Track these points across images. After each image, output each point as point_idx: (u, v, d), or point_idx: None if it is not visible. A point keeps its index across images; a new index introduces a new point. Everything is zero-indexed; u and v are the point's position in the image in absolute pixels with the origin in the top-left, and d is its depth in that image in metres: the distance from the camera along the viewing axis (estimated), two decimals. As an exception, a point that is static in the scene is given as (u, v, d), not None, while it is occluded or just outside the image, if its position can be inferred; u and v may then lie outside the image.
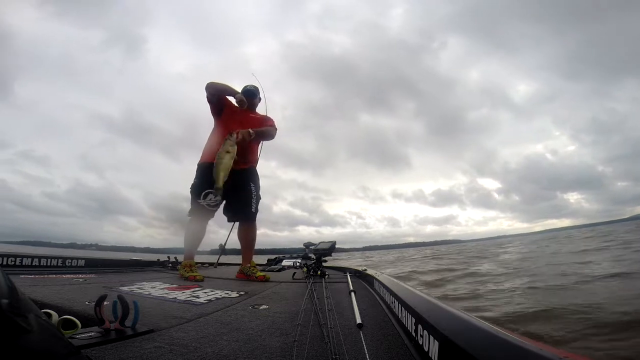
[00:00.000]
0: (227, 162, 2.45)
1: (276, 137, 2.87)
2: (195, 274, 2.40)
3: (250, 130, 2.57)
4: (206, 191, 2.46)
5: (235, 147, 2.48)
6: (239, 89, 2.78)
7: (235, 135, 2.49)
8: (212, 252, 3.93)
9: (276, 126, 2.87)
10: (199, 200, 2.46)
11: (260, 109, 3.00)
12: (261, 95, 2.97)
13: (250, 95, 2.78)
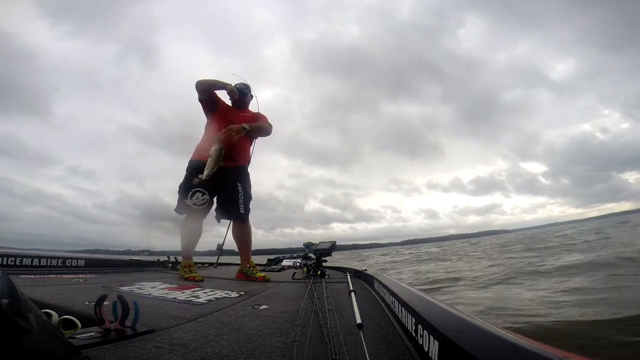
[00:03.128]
0: (213, 155, 2.35)
1: (276, 132, 2.80)
2: (194, 274, 2.40)
3: (243, 124, 2.51)
4: (193, 190, 2.44)
5: (222, 145, 2.40)
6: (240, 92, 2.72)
7: (222, 137, 2.40)
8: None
9: (270, 123, 2.78)
10: (185, 200, 2.44)
11: (253, 108, 2.95)
12: (252, 93, 2.90)
13: (241, 93, 2.72)
